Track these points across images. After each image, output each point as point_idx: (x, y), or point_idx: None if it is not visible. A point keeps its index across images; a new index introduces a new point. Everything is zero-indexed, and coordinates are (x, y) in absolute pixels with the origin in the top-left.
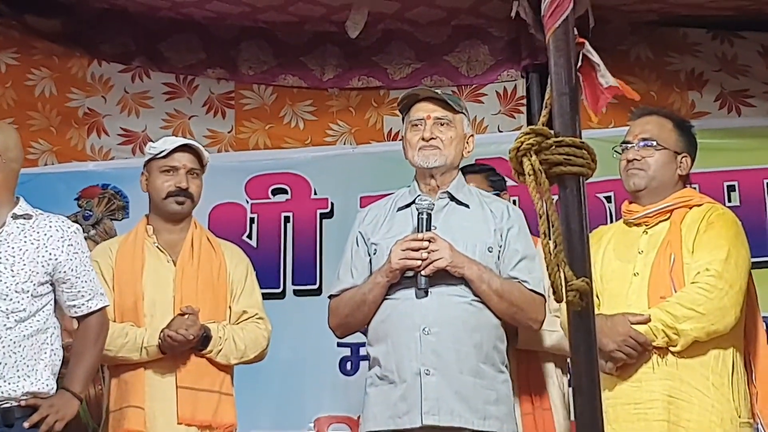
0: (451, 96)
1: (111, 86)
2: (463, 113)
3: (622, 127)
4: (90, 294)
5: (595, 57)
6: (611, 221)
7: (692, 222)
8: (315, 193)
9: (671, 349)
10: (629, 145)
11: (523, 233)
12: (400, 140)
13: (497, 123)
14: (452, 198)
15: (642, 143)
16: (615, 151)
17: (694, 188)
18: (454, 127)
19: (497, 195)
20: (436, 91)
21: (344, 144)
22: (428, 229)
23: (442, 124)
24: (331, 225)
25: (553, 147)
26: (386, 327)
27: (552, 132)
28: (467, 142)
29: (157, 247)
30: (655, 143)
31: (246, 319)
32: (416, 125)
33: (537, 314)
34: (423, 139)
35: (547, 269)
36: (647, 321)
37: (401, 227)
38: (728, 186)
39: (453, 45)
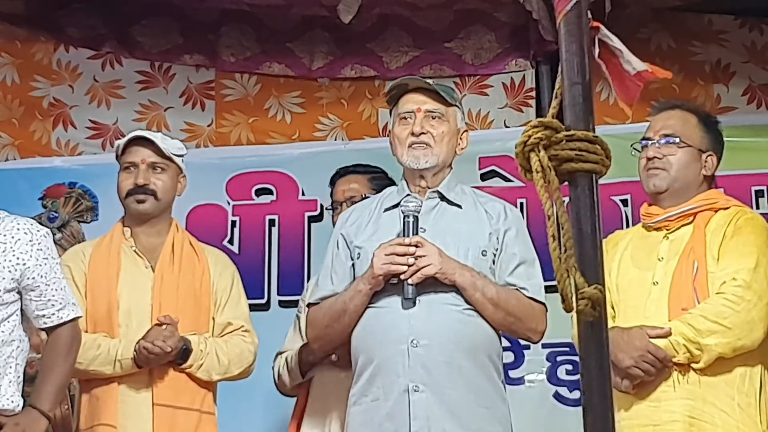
0: (444, 87)
1: (79, 74)
2: (457, 106)
3: (641, 122)
4: (61, 303)
5: (615, 42)
6: (627, 227)
7: (718, 227)
8: (303, 194)
9: (693, 366)
10: (649, 142)
11: (522, 236)
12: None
13: (503, 117)
14: (443, 198)
15: (664, 140)
16: (634, 148)
17: (720, 191)
18: (447, 122)
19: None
20: (428, 81)
21: (335, 139)
22: (415, 233)
23: (433, 118)
24: (321, 229)
25: (564, 141)
26: (370, 339)
27: (562, 125)
28: (460, 138)
29: (135, 251)
30: (678, 140)
31: (231, 332)
32: (405, 118)
33: (537, 325)
34: (413, 134)
35: (556, 276)
36: (667, 335)
37: (387, 230)
38: (756, 191)
39: (455, 31)
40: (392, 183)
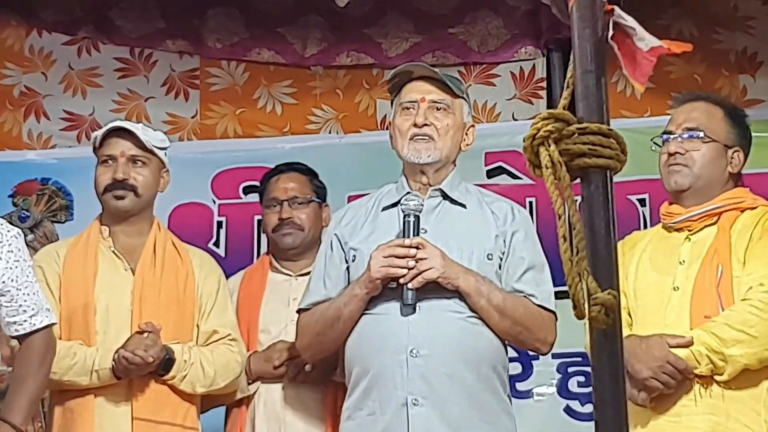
0: (450, 77)
1: (53, 61)
2: (464, 99)
3: (660, 116)
4: (33, 309)
5: (629, 20)
6: (645, 228)
7: (744, 228)
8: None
9: (717, 378)
10: (671, 136)
11: (531, 239)
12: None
13: (512, 110)
14: (446, 197)
15: (687, 134)
16: (654, 143)
17: (747, 189)
18: (453, 114)
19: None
20: (434, 69)
21: (330, 133)
22: (416, 233)
23: (438, 109)
24: None
25: (576, 135)
26: (365, 348)
27: (574, 117)
28: (466, 133)
29: (113, 251)
30: (702, 134)
31: (216, 341)
32: (408, 108)
33: (546, 335)
34: (415, 125)
35: (567, 280)
36: (689, 344)
37: (385, 230)
38: None
39: (460, 16)
40: (323, 193)
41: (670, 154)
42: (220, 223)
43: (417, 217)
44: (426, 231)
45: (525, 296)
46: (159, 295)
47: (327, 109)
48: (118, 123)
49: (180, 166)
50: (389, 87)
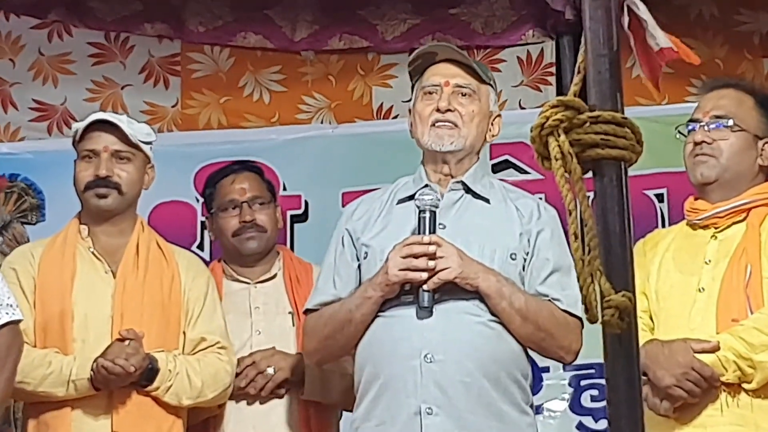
0: (477, 61)
1: (21, 46)
2: (491, 85)
3: (679, 103)
4: None
5: (642, 10)
6: (663, 226)
7: None
8: (284, 189)
9: (745, 386)
10: (698, 125)
11: (557, 239)
12: (394, 117)
13: (518, 97)
14: (468, 190)
15: (714, 123)
16: (679, 131)
17: None
18: (479, 100)
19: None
20: (460, 51)
21: (322, 123)
22: (432, 230)
23: (463, 95)
24: (305, 230)
25: (588, 124)
26: (377, 353)
27: (586, 105)
28: (492, 123)
29: (93, 253)
30: (731, 123)
31: (204, 349)
32: (430, 93)
33: (571, 342)
34: (438, 110)
35: (578, 280)
36: (715, 349)
37: (400, 225)
38: None
39: None
40: (275, 194)
41: (695, 144)
42: (204, 224)
43: (433, 213)
44: (444, 227)
45: (549, 300)
46: (142, 299)
47: (319, 97)
48: (101, 115)
49: (160, 160)
50: (411, 70)
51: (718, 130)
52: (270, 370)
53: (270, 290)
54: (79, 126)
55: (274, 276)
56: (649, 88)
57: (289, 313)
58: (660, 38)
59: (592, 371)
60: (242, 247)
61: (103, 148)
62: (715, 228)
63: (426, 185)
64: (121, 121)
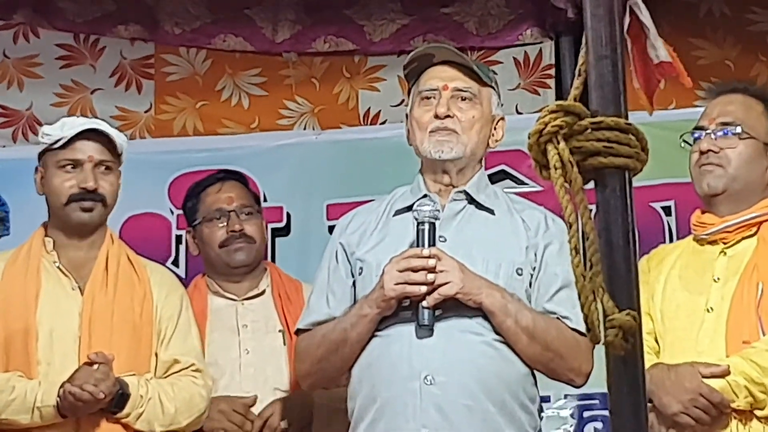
0: (479, 63)
1: None
2: (493, 88)
3: (687, 108)
4: None
5: (643, 14)
6: (670, 241)
7: None
8: (264, 200)
9: (757, 413)
10: (704, 132)
11: (566, 253)
12: (382, 123)
13: (515, 102)
14: (471, 200)
15: (721, 130)
16: (684, 140)
17: None
18: (480, 105)
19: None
20: (459, 52)
21: (305, 129)
22: (432, 244)
23: (463, 99)
24: (288, 245)
25: (589, 130)
26: (373, 374)
27: (587, 110)
28: (495, 128)
29: (59, 268)
30: (739, 130)
31: (178, 372)
32: (428, 98)
33: (581, 364)
34: (436, 116)
35: (580, 298)
36: (725, 374)
37: (398, 238)
38: None
39: None
40: (260, 207)
41: (701, 153)
42: (179, 238)
43: (433, 225)
44: (445, 239)
45: (558, 318)
46: (111, 318)
47: (301, 101)
48: (90, 123)
49: (132, 169)
50: (406, 73)
51: (725, 138)
52: (283, 424)
53: (258, 307)
54: (64, 133)
55: (262, 292)
56: (643, 101)
57: (280, 331)
58: (660, 50)
59: (596, 401)
60: (230, 259)
61: (87, 158)
62: (724, 243)
63: (425, 195)
64: (110, 129)
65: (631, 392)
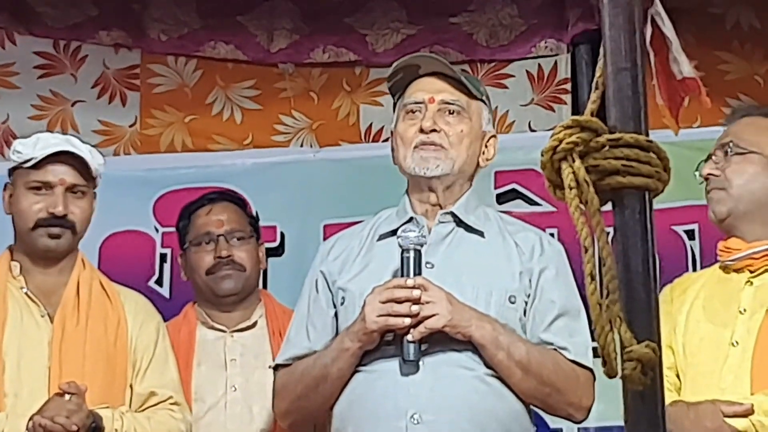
0: (467, 74)
1: None
2: (483, 101)
3: (713, 126)
4: None
5: (666, 25)
6: (694, 269)
7: None
8: (257, 218)
9: None
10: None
11: (563, 278)
12: (385, 140)
13: (528, 118)
14: (460, 222)
15: (720, 151)
16: (697, 173)
17: None
18: (469, 119)
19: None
20: (446, 62)
21: (302, 146)
22: (418, 272)
23: (450, 113)
24: (282, 266)
25: (607, 148)
26: (356, 413)
27: (605, 126)
28: (486, 145)
29: (27, 293)
30: (742, 149)
31: (155, 405)
32: (413, 111)
33: (581, 398)
34: (421, 130)
35: (595, 328)
36: (748, 413)
37: (382, 264)
38: None
39: (464, 2)
40: (258, 229)
41: (705, 180)
42: (163, 256)
43: (418, 252)
44: (432, 266)
45: (555, 349)
46: (83, 348)
47: (298, 116)
48: (63, 145)
49: (115, 185)
50: (390, 86)
51: (725, 158)
52: None
53: (248, 340)
54: (35, 153)
55: (254, 324)
56: (666, 118)
57: (270, 367)
58: (684, 65)
59: None
60: (216, 287)
61: (59, 181)
62: (750, 271)
63: (411, 218)
64: (83, 152)
65: (650, 429)
